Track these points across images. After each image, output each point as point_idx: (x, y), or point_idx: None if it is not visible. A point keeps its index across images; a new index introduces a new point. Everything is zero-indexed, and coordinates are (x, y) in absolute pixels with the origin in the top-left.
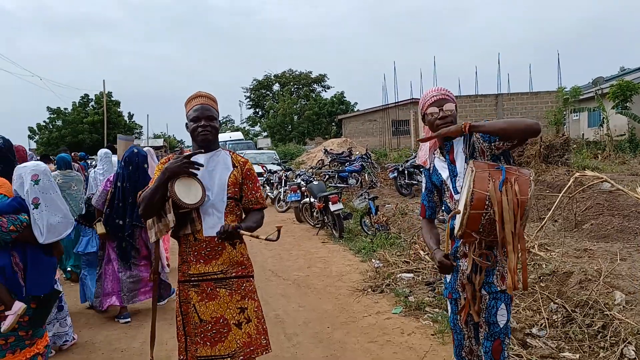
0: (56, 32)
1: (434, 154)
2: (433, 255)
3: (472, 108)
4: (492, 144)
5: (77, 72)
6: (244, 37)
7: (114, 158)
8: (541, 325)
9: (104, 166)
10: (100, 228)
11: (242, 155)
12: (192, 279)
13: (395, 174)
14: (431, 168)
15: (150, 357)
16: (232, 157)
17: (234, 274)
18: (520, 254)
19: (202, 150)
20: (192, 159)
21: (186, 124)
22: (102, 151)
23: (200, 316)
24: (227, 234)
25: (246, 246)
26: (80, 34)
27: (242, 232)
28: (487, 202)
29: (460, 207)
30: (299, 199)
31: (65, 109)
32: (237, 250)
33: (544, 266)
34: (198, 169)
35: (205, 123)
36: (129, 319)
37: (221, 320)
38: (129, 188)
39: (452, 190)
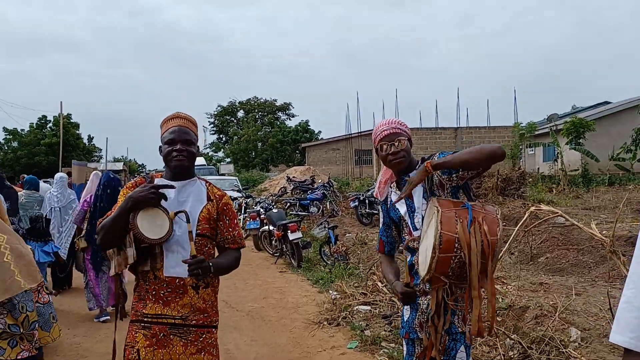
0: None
1: (390, 188)
2: (393, 288)
3: (432, 140)
4: (454, 175)
5: (36, 92)
6: (210, 63)
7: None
8: None
9: (59, 189)
10: (82, 243)
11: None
12: (145, 319)
13: (357, 203)
14: (388, 203)
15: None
16: (207, 188)
17: (194, 322)
18: (488, 298)
19: (174, 186)
20: (162, 189)
21: (160, 146)
22: (58, 175)
23: None
24: (197, 268)
25: (213, 292)
26: (40, 53)
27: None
28: (456, 245)
29: (425, 248)
30: (258, 226)
31: (22, 130)
32: (200, 295)
33: (500, 300)
34: (166, 199)
35: (181, 147)
36: (108, 317)
37: None
38: (106, 207)
39: (410, 226)
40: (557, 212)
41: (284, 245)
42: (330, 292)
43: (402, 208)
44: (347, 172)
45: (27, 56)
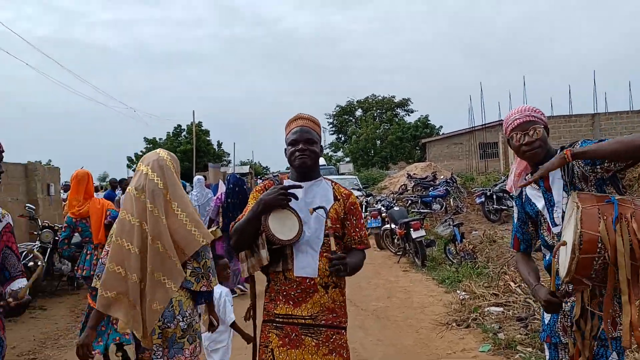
0: (153, 67)
1: (525, 180)
2: (534, 292)
3: (566, 129)
4: (597, 167)
5: (171, 103)
6: (328, 66)
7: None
8: None
9: (198, 190)
10: (218, 233)
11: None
12: (277, 319)
13: (483, 199)
14: (523, 197)
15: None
16: (333, 188)
17: (323, 322)
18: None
19: (302, 186)
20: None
21: (285, 148)
22: (197, 178)
23: None
24: (340, 264)
25: (341, 292)
26: (173, 68)
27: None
28: (599, 245)
29: (564, 247)
30: (380, 225)
31: (160, 139)
32: (330, 295)
33: None
34: (297, 199)
35: (303, 147)
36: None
37: None
38: (235, 202)
39: (549, 222)
40: None
41: (406, 244)
42: (458, 292)
43: (539, 202)
44: (471, 166)
45: (163, 71)
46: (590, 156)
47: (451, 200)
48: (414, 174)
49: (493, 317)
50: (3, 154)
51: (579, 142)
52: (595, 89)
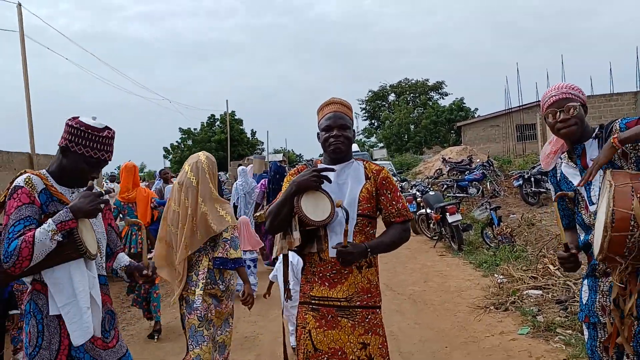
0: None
1: (560, 159)
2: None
3: (607, 108)
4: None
5: (204, 94)
6: (359, 51)
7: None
8: None
9: (243, 179)
10: (262, 217)
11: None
12: (313, 301)
13: (521, 182)
14: (558, 175)
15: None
16: (365, 166)
17: (358, 303)
18: None
19: (334, 168)
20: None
21: (318, 133)
22: (241, 168)
23: (315, 344)
24: (346, 255)
25: (377, 272)
26: (206, 58)
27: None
28: (632, 222)
29: (599, 225)
30: (415, 210)
31: (195, 129)
32: (364, 275)
33: None
34: (329, 181)
35: (337, 133)
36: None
37: (339, 353)
38: (277, 188)
39: (586, 200)
40: None
41: (442, 229)
42: (496, 275)
43: (576, 180)
44: (508, 149)
45: (196, 62)
46: (635, 139)
47: (488, 183)
48: (449, 158)
49: (532, 300)
50: (109, 161)
51: (618, 121)
52: (637, 66)
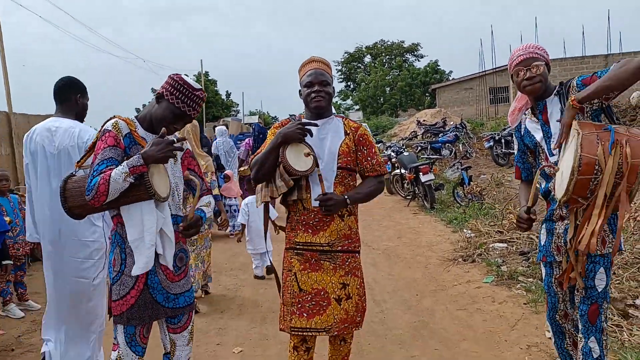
0: (159, 17)
1: (524, 114)
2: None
3: (579, 70)
4: (595, 100)
5: (177, 55)
6: (336, 12)
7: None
8: None
9: (222, 138)
10: (247, 171)
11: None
12: (297, 247)
13: (491, 143)
14: (522, 130)
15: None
16: (344, 123)
17: (339, 248)
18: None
19: (318, 124)
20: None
21: (299, 90)
22: (221, 128)
23: (300, 285)
24: (327, 203)
25: (356, 220)
26: (180, 18)
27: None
28: (596, 167)
29: (562, 171)
30: (390, 170)
31: None
32: (345, 222)
33: None
34: (311, 135)
35: (318, 88)
36: None
37: (322, 293)
38: (260, 147)
39: (547, 152)
40: None
41: (416, 188)
42: (465, 231)
43: (537, 134)
44: (481, 112)
45: (169, 22)
46: (593, 97)
47: (460, 145)
48: (424, 120)
49: (497, 252)
50: (193, 118)
51: (575, 79)
52: (609, 29)
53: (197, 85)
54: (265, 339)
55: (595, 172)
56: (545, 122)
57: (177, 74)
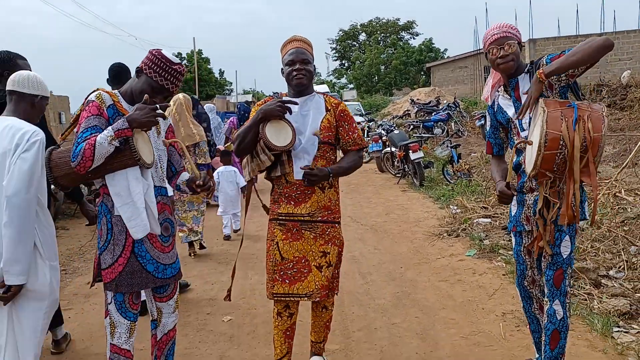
0: None
1: (497, 92)
2: (497, 186)
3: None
4: (562, 76)
5: (167, 31)
6: None
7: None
8: (619, 267)
9: (211, 114)
10: (232, 147)
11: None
12: (280, 218)
13: (482, 122)
14: (495, 106)
15: (228, 288)
16: (325, 100)
17: (319, 218)
18: (591, 190)
19: (297, 102)
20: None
21: (282, 68)
22: (208, 105)
23: (282, 254)
24: (310, 176)
25: (337, 192)
26: None
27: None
28: (560, 142)
29: (531, 147)
30: (380, 148)
31: None
32: (326, 194)
33: (628, 210)
34: (291, 112)
35: (300, 67)
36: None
37: (303, 261)
38: None
39: (518, 127)
40: None
41: (405, 166)
42: (451, 207)
43: (510, 110)
44: (476, 90)
45: None
46: (559, 72)
47: (452, 124)
48: (418, 99)
49: (481, 227)
50: (172, 92)
51: (545, 58)
52: (603, 8)
53: (176, 60)
54: (254, 309)
55: (560, 147)
56: (517, 98)
57: (157, 49)
